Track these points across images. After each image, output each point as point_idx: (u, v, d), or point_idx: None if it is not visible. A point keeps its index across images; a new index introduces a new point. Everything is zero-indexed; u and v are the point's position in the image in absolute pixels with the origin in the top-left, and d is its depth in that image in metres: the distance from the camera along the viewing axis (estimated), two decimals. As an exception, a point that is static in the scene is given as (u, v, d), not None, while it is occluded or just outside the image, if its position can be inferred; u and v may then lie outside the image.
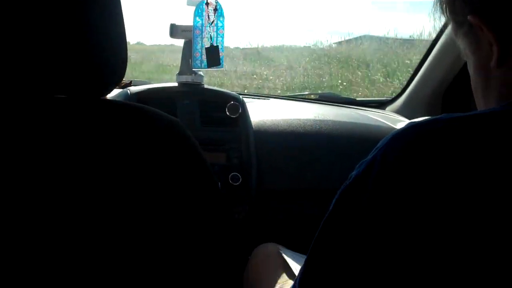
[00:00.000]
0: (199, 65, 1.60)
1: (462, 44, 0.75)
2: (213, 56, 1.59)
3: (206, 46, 1.59)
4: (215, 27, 1.59)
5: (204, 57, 1.59)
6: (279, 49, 5.97)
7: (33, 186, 0.62)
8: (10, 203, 0.61)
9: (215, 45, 1.60)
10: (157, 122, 0.70)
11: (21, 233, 0.61)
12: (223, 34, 1.61)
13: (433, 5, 0.77)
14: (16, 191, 0.61)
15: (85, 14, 0.63)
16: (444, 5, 0.74)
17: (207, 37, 1.59)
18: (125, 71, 0.70)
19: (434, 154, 0.58)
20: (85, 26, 0.64)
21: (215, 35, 1.60)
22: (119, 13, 0.67)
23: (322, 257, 0.66)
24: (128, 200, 0.64)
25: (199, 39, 1.59)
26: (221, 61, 1.62)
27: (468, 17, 0.68)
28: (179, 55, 1.63)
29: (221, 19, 1.60)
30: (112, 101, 0.70)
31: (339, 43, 6.01)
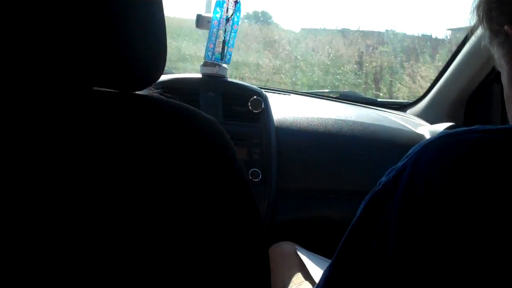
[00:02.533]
0: (210, 56, 1.59)
1: (496, 54, 0.75)
2: (222, 50, 1.59)
3: (221, 40, 1.58)
4: (231, 21, 1.58)
5: (218, 49, 1.59)
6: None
7: (71, 178, 0.62)
8: (47, 193, 0.61)
9: (227, 39, 1.59)
10: (196, 122, 0.70)
11: (48, 227, 0.61)
12: (236, 30, 1.60)
13: (470, 12, 0.77)
14: (55, 183, 0.61)
15: (127, 8, 0.63)
16: (481, 14, 0.74)
17: (222, 30, 1.58)
18: (163, 67, 0.70)
19: (468, 166, 0.58)
20: (126, 20, 0.64)
21: (229, 29, 1.59)
22: (161, 8, 0.67)
23: (348, 264, 0.66)
24: (161, 199, 0.63)
25: (215, 30, 1.58)
26: (229, 57, 1.61)
27: (505, 27, 0.68)
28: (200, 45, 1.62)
29: (238, 14, 1.59)
30: (149, 97, 0.70)
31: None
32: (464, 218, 0.56)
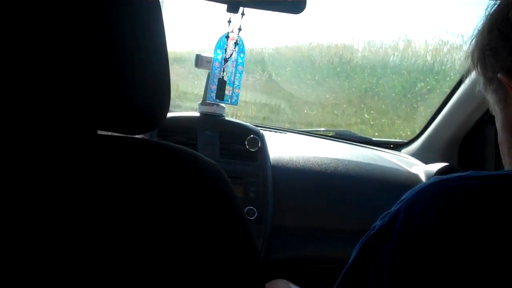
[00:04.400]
0: (213, 97, 1.61)
1: (491, 100, 0.75)
2: (221, 89, 1.60)
3: (222, 78, 1.60)
4: (234, 62, 1.60)
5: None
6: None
7: (74, 223, 0.62)
8: (41, 236, 0.61)
9: (230, 80, 1.61)
10: (198, 165, 0.71)
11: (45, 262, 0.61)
12: (241, 71, 1.62)
13: (465, 57, 0.78)
14: (57, 228, 0.62)
15: (132, 51, 0.65)
16: (476, 60, 0.75)
17: (226, 71, 1.60)
18: (167, 110, 0.71)
19: (460, 213, 0.58)
20: (131, 64, 0.65)
21: (233, 71, 1.61)
22: (165, 52, 0.69)
23: None
24: (164, 241, 0.64)
25: (217, 71, 1.60)
26: (236, 98, 1.62)
27: (499, 74, 0.69)
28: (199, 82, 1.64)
29: (241, 55, 1.61)
30: (151, 142, 0.71)
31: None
32: (457, 265, 0.57)
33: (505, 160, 0.76)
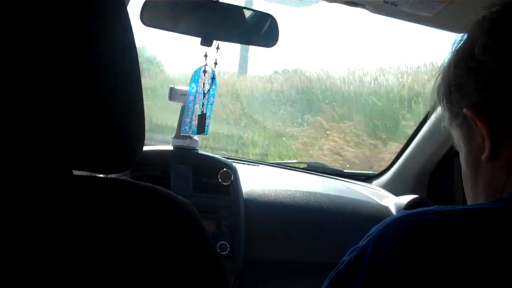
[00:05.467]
0: (187, 130, 1.62)
1: (455, 135, 0.76)
2: (202, 123, 1.61)
3: (198, 113, 1.61)
4: (207, 95, 1.62)
5: (194, 123, 1.62)
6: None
7: (41, 265, 0.62)
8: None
9: (205, 112, 1.62)
10: (171, 205, 0.71)
11: None
12: (213, 102, 1.64)
13: (432, 92, 0.79)
14: (23, 268, 0.62)
15: (106, 90, 0.65)
16: (441, 95, 0.76)
17: (199, 104, 1.62)
18: (142, 149, 0.72)
19: (425, 247, 0.59)
20: (105, 103, 0.65)
21: (206, 103, 1.62)
22: (140, 88, 0.69)
23: None
24: (138, 284, 0.64)
25: (191, 105, 1.61)
26: (206, 128, 1.64)
27: (464, 109, 0.70)
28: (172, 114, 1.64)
29: (213, 87, 1.63)
30: (123, 181, 0.72)
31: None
32: None
33: (468, 194, 0.77)
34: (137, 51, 0.70)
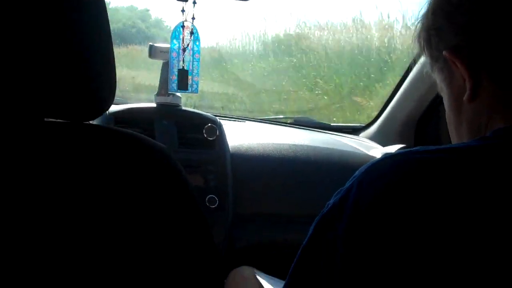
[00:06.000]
0: (175, 88, 1.60)
1: (437, 79, 0.78)
2: (183, 80, 1.60)
3: (178, 68, 1.60)
4: (191, 51, 1.60)
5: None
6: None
7: (17, 213, 0.61)
8: None
9: (189, 69, 1.60)
10: (149, 151, 0.71)
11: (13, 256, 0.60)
12: (199, 59, 1.62)
13: (412, 40, 0.81)
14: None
15: (75, 37, 0.65)
16: (422, 42, 0.78)
17: (185, 61, 1.60)
18: (113, 97, 0.71)
19: (406, 185, 0.60)
20: (75, 50, 0.65)
21: (190, 59, 1.60)
22: (109, 37, 0.69)
23: (301, 283, 0.67)
24: (113, 230, 0.64)
25: (175, 61, 1.59)
26: (196, 86, 1.62)
27: (443, 52, 0.71)
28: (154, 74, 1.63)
29: (197, 43, 1.60)
30: (100, 127, 0.71)
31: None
32: (406, 238, 0.58)
33: (453, 136, 0.79)
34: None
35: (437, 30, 0.74)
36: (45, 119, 0.69)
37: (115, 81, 0.70)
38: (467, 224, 0.57)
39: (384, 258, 0.59)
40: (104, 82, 0.68)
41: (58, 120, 0.70)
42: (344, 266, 0.61)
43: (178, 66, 1.59)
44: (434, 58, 0.76)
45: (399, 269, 0.58)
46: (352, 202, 0.63)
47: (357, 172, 0.66)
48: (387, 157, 0.66)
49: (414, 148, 0.65)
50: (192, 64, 1.61)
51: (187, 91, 1.62)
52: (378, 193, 0.61)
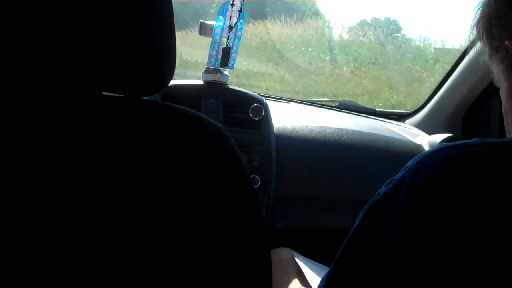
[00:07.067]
0: (213, 63, 1.61)
1: (496, 69, 0.75)
2: (226, 57, 1.60)
3: (223, 46, 1.60)
4: (235, 29, 1.60)
5: (219, 56, 1.60)
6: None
7: (78, 182, 0.63)
8: (50, 195, 0.62)
9: (230, 46, 1.61)
10: (204, 127, 0.71)
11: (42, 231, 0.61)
12: (240, 36, 1.62)
13: (470, 28, 0.78)
14: (60, 186, 0.62)
15: (136, 14, 0.65)
16: (481, 29, 0.75)
17: (225, 37, 1.60)
18: (173, 73, 0.72)
19: (465, 178, 0.59)
20: (135, 26, 0.65)
21: (233, 37, 1.61)
22: (170, 13, 0.69)
23: (347, 271, 0.66)
24: (168, 202, 0.64)
25: (218, 38, 1.60)
26: (233, 62, 1.63)
27: (505, 42, 0.69)
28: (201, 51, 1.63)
29: (241, 20, 1.61)
30: (158, 103, 0.72)
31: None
32: (461, 230, 0.57)
33: (509, 129, 0.76)
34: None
35: (499, 19, 0.71)
36: (104, 93, 0.71)
37: (175, 59, 0.71)
38: None
39: (437, 250, 0.58)
40: (164, 59, 0.69)
41: (115, 95, 0.71)
42: (394, 258, 0.60)
43: (220, 43, 1.60)
44: (494, 48, 0.73)
45: (451, 263, 0.57)
46: (405, 192, 0.61)
47: (410, 162, 0.65)
48: (441, 147, 0.64)
49: (470, 141, 0.63)
50: (233, 41, 1.61)
51: (230, 68, 1.63)
52: (433, 186, 0.60)
